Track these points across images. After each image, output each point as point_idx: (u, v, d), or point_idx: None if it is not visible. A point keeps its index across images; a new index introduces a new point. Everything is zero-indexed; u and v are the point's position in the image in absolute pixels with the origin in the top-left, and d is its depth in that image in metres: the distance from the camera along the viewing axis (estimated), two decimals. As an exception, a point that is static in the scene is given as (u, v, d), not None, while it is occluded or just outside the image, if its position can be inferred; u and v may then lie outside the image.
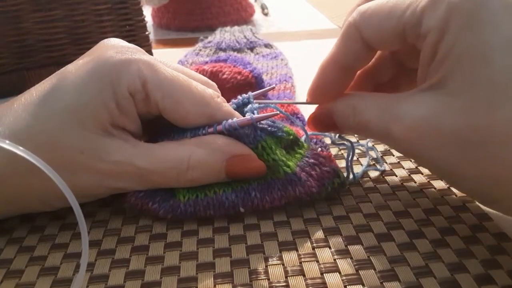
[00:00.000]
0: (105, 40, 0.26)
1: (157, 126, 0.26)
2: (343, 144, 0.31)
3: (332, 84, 0.25)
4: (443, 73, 0.19)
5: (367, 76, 0.27)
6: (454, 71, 0.19)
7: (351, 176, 0.27)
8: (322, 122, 0.26)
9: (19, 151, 0.18)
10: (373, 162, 0.30)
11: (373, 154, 0.31)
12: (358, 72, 0.26)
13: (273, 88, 0.28)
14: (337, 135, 0.28)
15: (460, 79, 0.19)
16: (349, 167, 0.27)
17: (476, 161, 0.18)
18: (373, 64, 0.26)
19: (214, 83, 0.28)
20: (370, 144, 0.31)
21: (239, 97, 0.27)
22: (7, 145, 0.18)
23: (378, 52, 0.25)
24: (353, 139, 0.33)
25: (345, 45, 0.23)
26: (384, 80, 0.27)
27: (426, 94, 0.20)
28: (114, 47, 0.24)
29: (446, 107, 0.19)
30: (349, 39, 0.23)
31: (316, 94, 0.26)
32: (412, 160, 0.30)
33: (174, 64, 0.26)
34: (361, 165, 0.29)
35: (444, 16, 0.19)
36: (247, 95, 0.26)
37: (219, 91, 0.27)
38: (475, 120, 0.18)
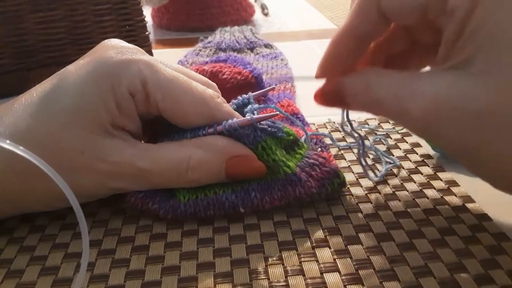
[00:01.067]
0: (106, 41, 0.26)
1: (157, 126, 0.26)
2: (351, 135, 0.30)
3: (344, 55, 0.24)
4: (470, 52, 0.19)
5: (378, 47, 0.26)
6: (481, 50, 0.18)
7: (371, 175, 0.27)
8: (330, 97, 0.25)
9: (20, 151, 0.18)
10: (386, 159, 0.30)
11: (370, 153, 0.31)
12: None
13: (273, 88, 0.28)
14: (346, 119, 0.27)
15: (488, 58, 0.18)
16: (364, 165, 0.27)
17: (503, 143, 0.18)
18: (385, 36, 0.25)
19: (214, 84, 0.28)
20: (369, 143, 0.31)
21: (239, 97, 0.27)
22: (7, 144, 0.18)
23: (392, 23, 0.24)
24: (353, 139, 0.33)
25: (361, 15, 0.23)
26: (395, 52, 0.26)
27: (449, 73, 0.19)
28: (114, 48, 0.24)
29: (472, 86, 0.18)
30: (365, 9, 0.22)
31: (328, 67, 0.25)
32: (412, 160, 0.30)
33: (174, 64, 0.26)
34: (361, 165, 0.29)
35: None
36: (247, 95, 0.26)
37: (219, 92, 0.27)
38: (503, 100, 0.18)
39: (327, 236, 0.23)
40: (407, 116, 0.21)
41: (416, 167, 0.29)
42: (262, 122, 0.24)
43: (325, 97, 0.25)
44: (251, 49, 0.54)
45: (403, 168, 0.29)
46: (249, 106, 0.25)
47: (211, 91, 0.25)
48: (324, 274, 0.21)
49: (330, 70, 0.25)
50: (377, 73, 0.23)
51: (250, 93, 0.27)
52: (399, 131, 0.34)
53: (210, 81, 0.27)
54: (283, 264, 0.21)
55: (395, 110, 0.21)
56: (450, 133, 0.19)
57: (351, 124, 0.27)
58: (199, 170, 0.23)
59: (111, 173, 0.23)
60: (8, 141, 0.18)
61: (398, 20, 0.22)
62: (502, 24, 0.18)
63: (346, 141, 0.33)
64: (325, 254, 0.22)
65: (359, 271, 0.21)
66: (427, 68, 0.25)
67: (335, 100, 0.25)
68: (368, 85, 0.22)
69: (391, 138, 0.33)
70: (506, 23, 0.18)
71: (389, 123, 0.35)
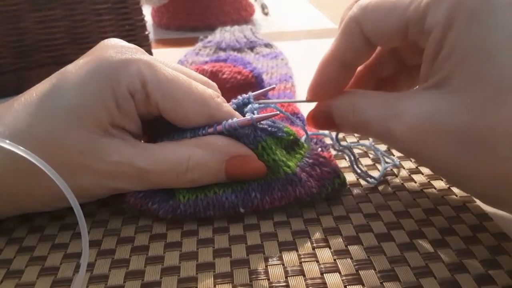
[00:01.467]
0: (105, 40, 0.26)
1: (157, 126, 0.26)
2: (342, 151, 0.31)
3: (332, 80, 0.24)
4: (448, 71, 0.19)
5: (367, 72, 0.27)
6: (458, 68, 0.19)
7: (370, 180, 0.27)
8: (321, 119, 0.26)
9: (20, 150, 0.18)
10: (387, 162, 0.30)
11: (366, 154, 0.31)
12: (358, 68, 0.25)
13: (273, 88, 0.28)
14: (335, 139, 0.28)
15: (465, 77, 0.19)
16: (360, 173, 0.27)
17: (482, 160, 0.18)
18: (373, 60, 0.26)
19: (214, 83, 0.28)
20: (368, 142, 0.31)
21: (239, 97, 0.26)
22: (7, 144, 0.18)
23: (379, 48, 0.25)
24: (353, 139, 0.33)
25: (345, 40, 0.23)
26: (384, 76, 0.27)
27: (430, 92, 0.20)
28: (114, 47, 0.24)
29: (450, 105, 0.19)
30: (349, 34, 0.23)
31: (316, 92, 0.25)
32: (413, 160, 0.30)
33: (174, 64, 0.26)
34: (357, 174, 0.29)
35: (448, 12, 0.19)
36: (247, 95, 0.26)
37: (219, 91, 0.27)
38: (481, 118, 0.18)
39: (328, 236, 0.23)
40: (392, 136, 0.21)
41: (416, 167, 0.29)
42: (262, 122, 0.24)
43: (316, 120, 0.26)
44: (251, 49, 0.54)
45: (404, 168, 0.29)
46: (249, 106, 0.25)
47: (211, 91, 0.25)
48: (324, 274, 0.20)
49: (319, 94, 0.25)
50: (363, 95, 0.23)
51: (250, 93, 0.26)
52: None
53: (210, 81, 0.27)
54: (283, 265, 0.21)
55: (381, 130, 0.22)
56: (432, 153, 0.20)
57: (340, 144, 0.28)
58: (199, 170, 0.23)
59: (110, 173, 0.23)
60: (8, 141, 0.18)
61: (382, 44, 0.23)
62: (476, 44, 0.18)
63: (347, 141, 0.33)
64: (325, 255, 0.22)
65: (359, 271, 0.21)
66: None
67: (326, 123, 0.25)
68: (355, 106, 0.23)
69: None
70: (480, 43, 0.18)
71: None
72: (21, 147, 0.18)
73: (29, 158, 0.18)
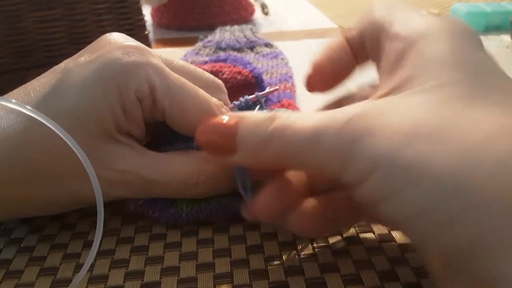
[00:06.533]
0: (108, 36, 0.24)
1: (158, 129, 0.26)
2: None
3: (336, 62, 0.23)
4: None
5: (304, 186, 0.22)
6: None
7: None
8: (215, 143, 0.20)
9: (42, 118, 0.18)
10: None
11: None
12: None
13: (277, 89, 0.28)
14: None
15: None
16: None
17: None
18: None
19: (220, 81, 0.27)
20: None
21: (241, 98, 0.26)
22: (28, 111, 0.18)
23: None
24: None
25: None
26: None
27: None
28: (119, 46, 0.22)
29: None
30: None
31: (317, 70, 0.24)
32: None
33: (180, 61, 0.25)
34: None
35: None
36: (254, 95, 0.26)
37: (225, 90, 0.26)
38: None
39: (328, 237, 0.23)
40: None
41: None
42: None
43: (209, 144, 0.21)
44: (251, 48, 0.54)
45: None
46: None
47: (216, 100, 0.24)
48: (324, 274, 0.20)
49: (318, 74, 0.24)
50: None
51: (257, 93, 0.26)
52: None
53: (216, 79, 0.27)
54: (283, 265, 0.21)
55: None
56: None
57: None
58: (208, 184, 0.23)
59: (114, 181, 0.22)
60: (29, 107, 0.18)
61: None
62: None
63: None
64: (325, 254, 0.22)
65: (359, 271, 0.21)
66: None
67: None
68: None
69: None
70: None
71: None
72: (43, 115, 0.18)
73: (51, 127, 0.18)
